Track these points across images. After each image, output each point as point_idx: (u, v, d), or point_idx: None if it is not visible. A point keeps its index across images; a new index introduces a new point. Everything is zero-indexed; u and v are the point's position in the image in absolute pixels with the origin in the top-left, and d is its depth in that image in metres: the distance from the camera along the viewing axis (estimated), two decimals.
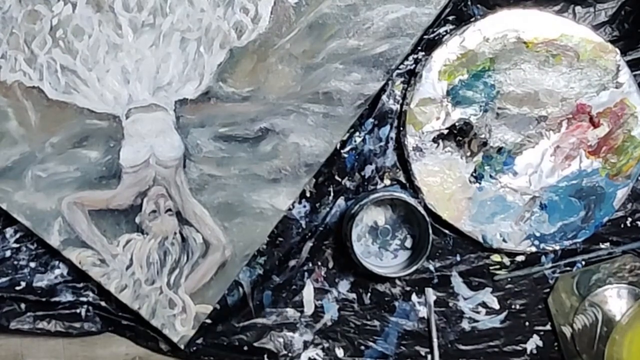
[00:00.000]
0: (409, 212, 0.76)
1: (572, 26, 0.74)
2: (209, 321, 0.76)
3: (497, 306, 0.78)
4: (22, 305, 0.75)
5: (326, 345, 0.77)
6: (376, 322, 0.77)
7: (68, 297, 0.75)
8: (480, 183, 0.75)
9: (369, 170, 0.76)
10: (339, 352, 0.77)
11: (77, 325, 0.76)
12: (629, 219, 0.78)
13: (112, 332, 0.76)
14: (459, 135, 0.75)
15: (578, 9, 0.76)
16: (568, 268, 0.78)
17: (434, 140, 0.75)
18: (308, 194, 0.76)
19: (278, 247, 0.76)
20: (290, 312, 0.77)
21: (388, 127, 0.76)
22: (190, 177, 0.74)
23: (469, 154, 0.75)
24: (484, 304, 0.78)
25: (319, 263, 0.77)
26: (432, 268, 0.77)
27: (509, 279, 0.78)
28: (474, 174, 0.75)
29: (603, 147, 0.75)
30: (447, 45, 0.74)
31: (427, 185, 0.75)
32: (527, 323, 0.78)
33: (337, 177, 0.76)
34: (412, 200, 0.74)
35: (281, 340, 0.77)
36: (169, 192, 0.74)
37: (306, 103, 0.73)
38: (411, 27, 0.73)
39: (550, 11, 0.75)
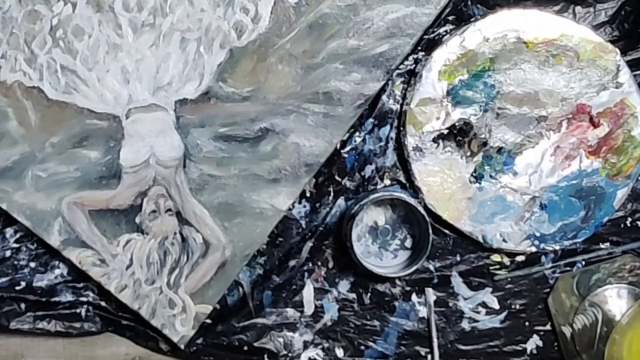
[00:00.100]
0: (409, 212, 0.76)
1: (572, 26, 0.74)
2: (209, 321, 0.76)
3: (497, 306, 0.78)
4: (22, 305, 0.75)
5: (326, 345, 0.77)
6: (376, 322, 0.77)
7: (68, 297, 0.76)
8: (480, 183, 0.75)
9: (369, 170, 0.76)
10: (339, 352, 0.77)
11: (77, 325, 0.76)
12: (629, 219, 0.78)
13: (112, 332, 0.76)
14: (459, 135, 0.75)
15: (578, 9, 0.76)
16: (568, 268, 0.78)
17: (434, 140, 0.75)
18: (308, 194, 0.76)
19: (278, 247, 0.76)
20: (290, 312, 0.77)
21: (388, 127, 0.76)
22: (190, 177, 0.74)
23: (469, 154, 0.75)
24: (484, 304, 0.78)
25: (319, 263, 0.77)
26: (432, 268, 0.77)
27: (509, 279, 0.78)
28: (474, 174, 0.75)
29: (603, 147, 0.75)
30: (447, 45, 0.74)
31: (427, 185, 0.75)
32: (527, 323, 0.78)
33: (337, 177, 0.76)
34: (412, 200, 0.74)
35: (281, 340, 0.77)
36: (169, 192, 0.74)
37: (306, 103, 0.73)
38: (411, 27, 0.73)
39: (550, 11, 0.75)
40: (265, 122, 0.73)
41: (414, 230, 0.76)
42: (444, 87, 0.74)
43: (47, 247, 0.74)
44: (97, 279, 0.74)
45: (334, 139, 0.74)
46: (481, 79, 0.74)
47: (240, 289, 0.77)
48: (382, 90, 0.75)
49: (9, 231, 0.75)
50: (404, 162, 0.76)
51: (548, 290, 0.78)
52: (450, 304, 0.77)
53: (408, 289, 0.77)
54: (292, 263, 0.77)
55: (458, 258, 0.77)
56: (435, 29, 0.75)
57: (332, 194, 0.76)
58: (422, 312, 0.77)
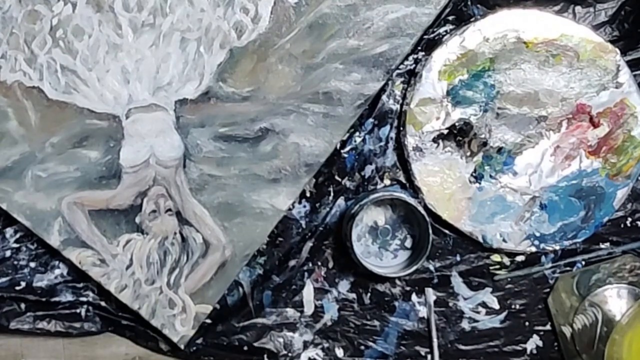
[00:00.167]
0: (409, 212, 0.76)
1: (572, 26, 0.74)
2: (209, 321, 0.76)
3: (497, 306, 0.78)
4: (22, 305, 0.75)
5: (326, 345, 0.77)
6: (376, 322, 0.77)
7: (68, 297, 0.75)
8: (480, 183, 0.75)
9: (369, 170, 0.76)
10: (339, 352, 0.77)
11: (77, 325, 0.76)
12: (629, 219, 0.78)
13: (112, 332, 0.76)
14: (459, 135, 0.75)
15: (578, 9, 0.76)
16: (568, 268, 0.78)
17: (434, 140, 0.75)
18: (308, 194, 0.76)
19: (278, 247, 0.76)
20: (290, 312, 0.77)
21: (388, 127, 0.76)
22: (190, 177, 0.74)
23: (469, 154, 0.75)
24: (484, 304, 0.78)
25: (319, 263, 0.77)
26: (432, 268, 0.77)
27: (509, 279, 0.78)
28: (474, 174, 0.75)
29: (603, 147, 0.75)
30: (447, 45, 0.74)
31: (427, 185, 0.75)
32: (527, 323, 0.78)
33: (337, 177, 0.76)
34: (412, 200, 0.74)
35: (281, 340, 0.77)
36: (169, 192, 0.74)
37: (306, 103, 0.73)
38: (411, 27, 0.73)
39: (550, 11, 0.75)
40: (265, 122, 0.73)
41: (414, 230, 0.76)
42: (444, 87, 0.74)
43: (47, 247, 0.74)
44: (97, 279, 0.74)
45: (334, 139, 0.74)
46: (481, 79, 0.74)
47: (240, 289, 0.77)
48: (382, 90, 0.75)
49: (9, 231, 0.75)
50: (404, 162, 0.76)
51: (548, 290, 0.78)
52: (450, 304, 0.77)
53: (408, 289, 0.77)
54: (292, 263, 0.77)
55: (458, 258, 0.77)
56: (435, 29, 0.75)
57: (332, 194, 0.76)
58: (422, 312, 0.77)
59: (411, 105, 0.74)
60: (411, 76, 0.75)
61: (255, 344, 0.77)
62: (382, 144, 0.76)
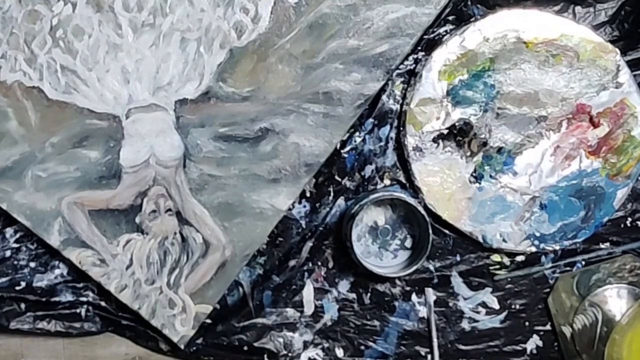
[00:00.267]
0: (409, 212, 0.76)
1: (572, 26, 0.74)
2: (209, 321, 0.76)
3: (497, 306, 0.78)
4: (22, 305, 0.75)
5: (326, 345, 0.77)
6: (376, 322, 0.77)
7: (68, 297, 0.75)
8: (480, 183, 0.75)
9: (369, 170, 0.76)
10: (339, 352, 0.77)
11: (77, 325, 0.76)
12: (629, 219, 0.78)
13: (112, 332, 0.76)
14: (459, 135, 0.75)
15: (578, 9, 0.76)
16: (568, 268, 0.78)
17: (434, 140, 0.75)
18: (308, 194, 0.76)
19: (278, 247, 0.76)
20: (290, 312, 0.77)
21: (388, 127, 0.76)
22: (190, 177, 0.74)
23: (469, 154, 0.75)
24: (484, 304, 0.78)
25: (319, 263, 0.77)
26: (432, 268, 0.77)
27: (509, 279, 0.78)
28: (474, 174, 0.75)
29: (603, 147, 0.75)
30: (447, 45, 0.74)
31: (427, 185, 0.75)
32: (527, 323, 0.78)
33: (337, 177, 0.76)
34: (412, 200, 0.74)
35: (281, 340, 0.77)
36: (169, 192, 0.74)
37: (306, 103, 0.73)
38: (411, 27, 0.73)
39: (550, 11, 0.75)
40: (265, 122, 0.73)
41: (414, 230, 0.76)
42: (444, 87, 0.74)
43: (47, 247, 0.74)
44: (97, 279, 0.74)
45: (334, 139, 0.74)
46: (481, 79, 0.74)
47: (240, 289, 0.77)
48: (382, 90, 0.75)
49: (9, 231, 0.75)
50: (404, 162, 0.76)
51: (548, 290, 0.78)
52: (450, 304, 0.77)
53: (408, 289, 0.77)
54: (292, 263, 0.77)
55: (458, 258, 0.77)
56: (435, 29, 0.75)
57: (332, 194, 0.76)
58: (422, 312, 0.77)
59: (411, 105, 0.74)
60: (411, 76, 0.75)
61: (255, 344, 0.77)
62: (382, 144, 0.76)
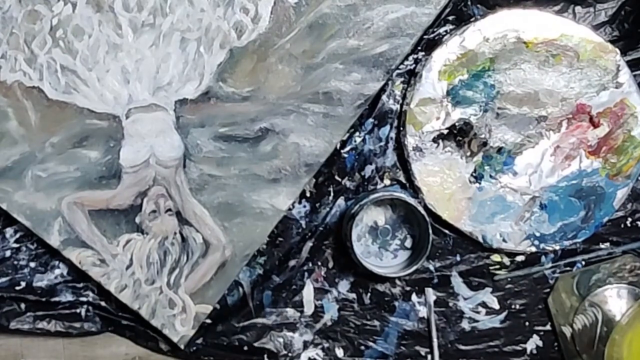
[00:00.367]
0: (409, 212, 0.76)
1: (572, 26, 0.74)
2: (209, 321, 0.76)
3: (497, 306, 0.78)
4: (22, 305, 0.75)
5: (326, 345, 0.77)
6: (376, 322, 0.77)
7: (68, 297, 0.75)
8: (480, 183, 0.75)
9: (369, 170, 0.76)
10: (339, 352, 0.77)
11: (77, 325, 0.76)
12: (629, 219, 0.78)
13: (112, 332, 0.76)
14: (459, 135, 0.75)
15: (578, 9, 0.76)
16: (568, 268, 0.78)
17: (434, 140, 0.75)
18: (308, 194, 0.76)
19: (278, 247, 0.76)
20: (290, 312, 0.77)
21: (388, 127, 0.76)
22: (190, 177, 0.74)
23: (469, 154, 0.75)
24: (484, 304, 0.78)
25: (319, 263, 0.77)
26: (432, 268, 0.77)
27: (509, 279, 0.78)
28: (474, 174, 0.75)
29: (603, 147, 0.75)
30: (447, 45, 0.74)
31: (427, 185, 0.75)
32: (527, 323, 0.78)
33: (337, 177, 0.76)
34: (412, 200, 0.74)
35: (281, 340, 0.77)
36: (169, 192, 0.74)
37: (306, 103, 0.73)
38: (411, 27, 0.73)
39: (550, 11, 0.75)
40: (265, 122, 0.73)
41: (414, 230, 0.76)
42: (444, 87, 0.74)
43: (47, 247, 0.74)
44: (97, 279, 0.74)
45: (334, 139, 0.74)
46: (481, 79, 0.74)
47: (240, 289, 0.77)
48: (382, 90, 0.75)
49: (9, 231, 0.75)
50: (404, 162, 0.76)
51: (548, 290, 0.78)
52: (450, 304, 0.77)
53: (408, 289, 0.77)
54: (292, 263, 0.77)
55: (458, 258, 0.77)
56: (435, 29, 0.75)
57: (332, 194, 0.76)
58: (422, 312, 0.77)
59: (411, 105, 0.74)
60: (411, 76, 0.75)
61: (255, 344, 0.77)
62: (382, 144, 0.76)
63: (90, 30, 0.72)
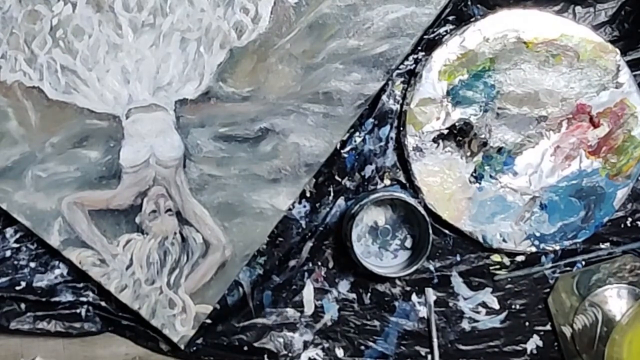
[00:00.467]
0: (409, 212, 0.76)
1: (572, 26, 0.74)
2: (209, 321, 0.76)
3: (497, 306, 0.78)
4: (22, 305, 0.75)
5: (326, 345, 0.77)
6: (376, 322, 0.77)
7: (68, 297, 0.75)
8: (480, 183, 0.75)
9: (369, 170, 0.76)
10: (339, 352, 0.77)
11: (77, 325, 0.76)
12: (629, 219, 0.78)
13: (112, 332, 0.76)
14: (459, 135, 0.75)
15: (578, 9, 0.76)
16: (568, 268, 0.78)
17: (434, 140, 0.75)
18: (308, 194, 0.76)
19: (278, 247, 0.76)
20: (290, 312, 0.77)
21: (388, 127, 0.76)
22: (190, 177, 0.74)
23: (469, 154, 0.75)
24: (484, 304, 0.78)
25: (319, 263, 0.77)
26: (432, 268, 0.77)
27: (509, 279, 0.78)
28: (474, 174, 0.75)
29: (603, 147, 0.75)
30: (447, 45, 0.74)
31: (427, 185, 0.75)
32: (527, 323, 0.78)
33: (337, 177, 0.76)
34: (412, 200, 0.74)
35: (281, 340, 0.77)
36: (169, 192, 0.74)
37: (306, 103, 0.73)
38: (411, 27, 0.73)
39: (550, 11, 0.75)
40: (265, 122, 0.73)
41: (414, 230, 0.76)
42: (444, 87, 0.74)
43: (47, 247, 0.74)
44: (97, 279, 0.74)
45: (334, 139, 0.74)
46: (481, 79, 0.74)
47: (240, 289, 0.77)
48: (382, 90, 0.75)
49: (9, 231, 0.75)
50: (404, 162, 0.76)
51: (548, 290, 0.78)
52: (450, 304, 0.77)
53: (408, 289, 0.77)
54: (292, 263, 0.77)
55: (458, 258, 0.77)
56: (435, 29, 0.75)
57: (332, 194, 0.76)
58: (422, 312, 0.77)
59: (411, 105, 0.74)
60: (411, 76, 0.75)
61: (255, 344, 0.77)
62: (382, 144, 0.76)
63: (91, 30, 0.72)
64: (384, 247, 0.77)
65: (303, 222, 0.76)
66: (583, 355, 0.77)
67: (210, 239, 0.74)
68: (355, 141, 0.76)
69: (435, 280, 0.77)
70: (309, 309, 0.77)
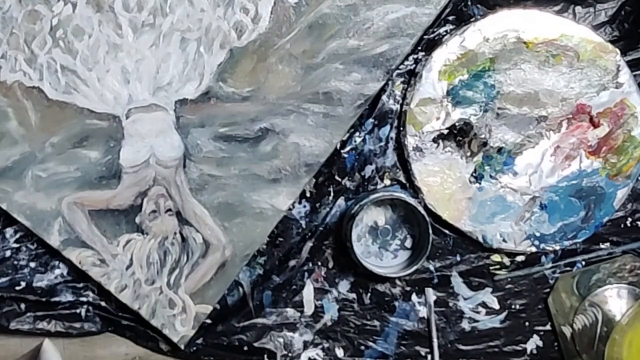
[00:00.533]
0: (409, 212, 0.76)
1: (572, 26, 0.74)
2: (209, 321, 0.76)
3: (497, 306, 0.78)
4: (22, 305, 0.75)
5: (326, 345, 0.77)
6: (376, 322, 0.77)
7: (68, 297, 0.75)
8: (480, 183, 0.75)
9: (369, 170, 0.76)
10: (339, 352, 0.77)
11: (77, 325, 0.76)
12: (629, 219, 0.78)
13: (112, 332, 0.76)
14: (459, 135, 0.75)
15: (578, 9, 0.76)
16: (568, 268, 0.78)
17: (434, 140, 0.75)
18: (308, 194, 0.76)
19: (278, 247, 0.76)
20: (290, 312, 0.77)
21: (388, 127, 0.76)
22: (190, 177, 0.74)
23: (469, 154, 0.75)
24: (484, 304, 0.78)
25: (319, 263, 0.77)
26: (432, 268, 0.77)
27: (509, 279, 0.78)
28: (474, 174, 0.75)
29: (603, 147, 0.75)
30: (447, 45, 0.74)
31: (427, 185, 0.75)
32: (527, 323, 0.78)
33: (337, 177, 0.76)
34: (412, 200, 0.74)
35: (281, 340, 0.77)
36: (169, 192, 0.74)
37: (306, 103, 0.73)
38: (411, 27, 0.73)
39: (550, 11, 0.75)
40: (265, 122, 0.73)
41: (414, 230, 0.76)
42: (444, 87, 0.74)
43: (47, 247, 0.74)
44: (97, 279, 0.74)
45: (334, 139, 0.74)
46: (481, 79, 0.74)
47: (240, 289, 0.77)
48: (382, 90, 0.75)
49: (9, 231, 0.75)
50: (404, 162, 0.76)
51: (548, 290, 0.78)
52: (450, 304, 0.77)
53: (408, 289, 0.77)
54: (292, 263, 0.77)
55: (458, 258, 0.77)
56: (435, 29, 0.75)
57: (332, 194, 0.76)
58: (422, 312, 0.77)
59: (411, 105, 0.74)
60: (411, 76, 0.75)
61: (255, 344, 0.77)
62: (382, 144, 0.76)
63: (90, 30, 0.72)
64: (384, 247, 0.77)
65: (303, 222, 0.76)
66: (583, 355, 0.77)
67: (210, 239, 0.74)
68: (355, 141, 0.76)
69: (435, 280, 0.77)
70: (309, 309, 0.77)
